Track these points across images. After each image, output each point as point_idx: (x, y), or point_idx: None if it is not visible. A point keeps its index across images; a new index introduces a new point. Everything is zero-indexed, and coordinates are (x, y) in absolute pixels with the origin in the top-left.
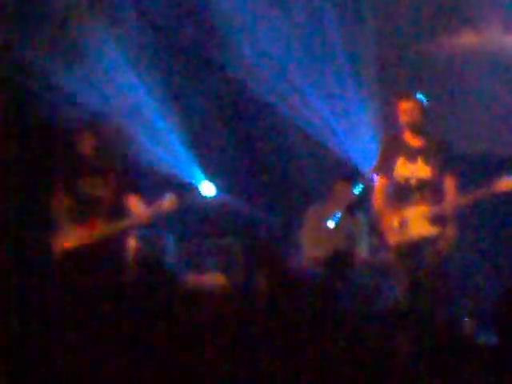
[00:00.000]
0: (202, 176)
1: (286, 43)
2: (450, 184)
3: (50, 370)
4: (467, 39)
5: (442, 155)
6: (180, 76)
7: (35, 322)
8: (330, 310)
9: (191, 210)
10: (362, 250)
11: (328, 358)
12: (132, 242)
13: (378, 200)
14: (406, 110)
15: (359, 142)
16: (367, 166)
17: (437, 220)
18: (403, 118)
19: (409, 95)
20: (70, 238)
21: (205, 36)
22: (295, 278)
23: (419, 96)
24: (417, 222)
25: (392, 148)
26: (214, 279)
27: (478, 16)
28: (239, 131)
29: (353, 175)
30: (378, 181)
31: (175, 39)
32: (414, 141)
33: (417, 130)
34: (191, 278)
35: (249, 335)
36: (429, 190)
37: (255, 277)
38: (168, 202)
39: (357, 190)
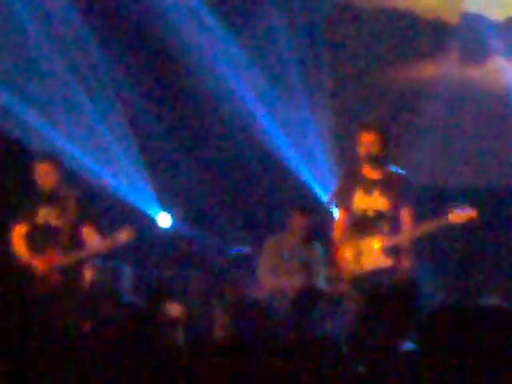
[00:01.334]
0: (159, 207)
1: (245, 73)
2: (406, 215)
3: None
4: (425, 70)
5: (399, 187)
6: (138, 105)
7: None
8: (287, 338)
9: (148, 241)
10: (319, 282)
11: None
12: (88, 273)
13: (336, 231)
14: (364, 141)
15: (318, 172)
16: (325, 197)
17: (392, 251)
18: (362, 150)
19: (368, 127)
20: (26, 268)
21: (166, 64)
22: (253, 309)
23: (378, 128)
24: (372, 254)
25: (349, 179)
26: (171, 309)
27: (435, 47)
28: (197, 161)
29: (310, 206)
30: (337, 212)
31: (136, 67)
32: (371, 172)
33: (375, 161)
34: (148, 308)
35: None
36: (385, 221)
37: (212, 308)
38: (125, 233)
39: (314, 221)
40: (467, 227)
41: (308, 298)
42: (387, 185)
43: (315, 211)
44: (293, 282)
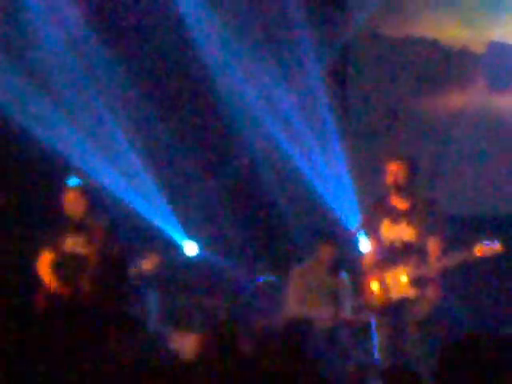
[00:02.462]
0: (185, 235)
1: (270, 98)
2: (433, 245)
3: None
4: (453, 100)
5: (427, 217)
6: (165, 131)
7: None
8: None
9: (175, 268)
10: (345, 310)
11: None
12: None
13: (365, 261)
14: (392, 171)
15: (345, 202)
16: (352, 227)
17: (419, 282)
18: (390, 179)
19: (396, 156)
20: (53, 296)
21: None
22: (279, 339)
23: (406, 157)
24: (399, 284)
25: (377, 209)
26: (199, 339)
27: (463, 77)
28: (224, 193)
29: (338, 236)
30: (365, 241)
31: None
32: (399, 202)
33: (402, 191)
34: (176, 338)
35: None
36: (413, 252)
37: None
38: (151, 261)
39: (341, 250)
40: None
41: (337, 329)
42: (415, 215)
43: (342, 240)
44: (321, 313)
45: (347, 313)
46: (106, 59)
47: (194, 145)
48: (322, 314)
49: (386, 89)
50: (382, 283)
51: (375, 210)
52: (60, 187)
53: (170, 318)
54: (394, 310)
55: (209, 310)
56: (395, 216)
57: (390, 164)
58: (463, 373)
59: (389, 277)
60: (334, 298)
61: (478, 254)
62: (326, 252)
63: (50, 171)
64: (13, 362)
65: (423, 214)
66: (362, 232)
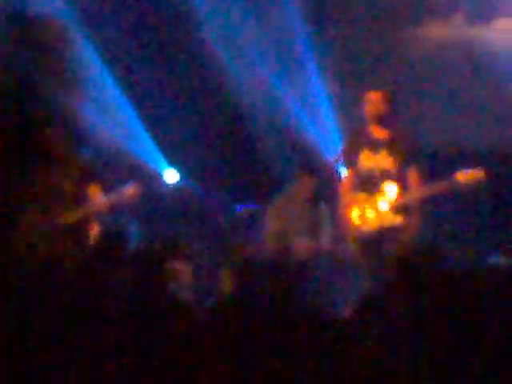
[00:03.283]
0: (166, 163)
1: (249, 29)
2: (413, 175)
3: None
4: (434, 29)
5: (406, 146)
6: (143, 64)
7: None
8: (293, 299)
9: (155, 197)
10: (325, 241)
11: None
12: (95, 228)
13: (343, 191)
14: (372, 100)
15: (323, 131)
16: (330, 157)
17: (399, 211)
18: (369, 109)
19: (376, 86)
20: (32, 228)
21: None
22: (258, 269)
23: (386, 87)
24: (379, 213)
25: (356, 139)
26: (177, 267)
27: (443, 8)
28: (205, 119)
29: (317, 165)
30: (344, 172)
31: (144, 27)
32: (378, 132)
33: (382, 121)
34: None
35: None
36: (392, 180)
37: (219, 266)
38: (130, 189)
39: (320, 181)
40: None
41: (317, 259)
42: (394, 144)
43: (321, 170)
44: (300, 243)
45: (327, 243)
46: None
47: (175, 72)
48: (301, 245)
49: (366, 20)
50: (362, 212)
51: (354, 140)
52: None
53: (150, 247)
54: (374, 239)
55: (190, 239)
56: (374, 145)
57: (369, 94)
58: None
59: (368, 206)
60: (314, 228)
61: (460, 180)
62: (304, 182)
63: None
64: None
65: (402, 143)
66: (341, 162)
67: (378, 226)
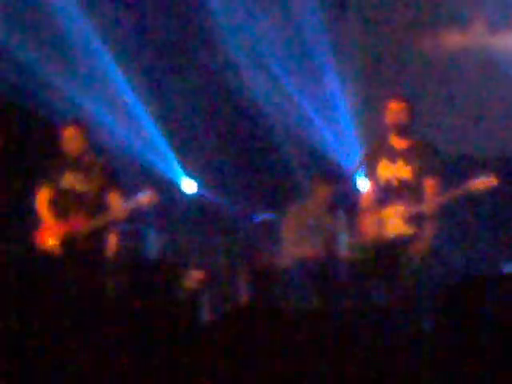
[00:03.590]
0: (183, 173)
1: (270, 38)
2: (429, 185)
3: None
4: (452, 39)
5: (424, 157)
6: (163, 72)
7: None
8: (313, 306)
9: (173, 206)
10: (342, 249)
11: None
12: (113, 237)
13: (363, 200)
14: (392, 110)
15: (342, 141)
16: (349, 166)
17: (414, 220)
18: (389, 119)
19: (396, 96)
20: (51, 233)
21: (189, 33)
22: (277, 277)
23: (406, 97)
24: (394, 222)
25: (376, 149)
26: (195, 275)
27: (462, 15)
28: (222, 128)
29: (334, 174)
30: (364, 182)
31: (161, 35)
32: (397, 142)
33: (401, 131)
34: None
35: (233, 331)
36: (409, 190)
37: (237, 274)
38: (148, 195)
39: (337, 189)
40: (490, 195)
41: (330, 267)
42: (412, 154)
43: (339, 179)
44: (317, 251)
45: (343, 251)
46: None
47: (193, 82)
48: (317, 253)
49: (387, 28)
50: (379, 222)
51: (374, 150)
52: (59, 123)
53: (168, 256)
54: (390, 248)
55: (207, 248)
56: (393, 155)
57: (389, 104)
58: (459, 313)
59: (385, 215)
60: (331, 236)
61: (473, 188)
62: (322, 191)
63: (48, 110)
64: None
65: (420, 153)
66: (360, 171)
67: (394, 236)
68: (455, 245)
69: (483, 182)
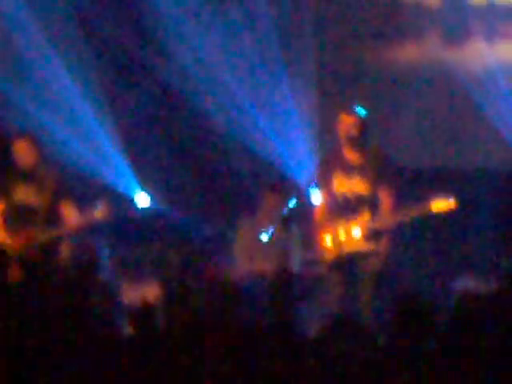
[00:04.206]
0: (138, 186)
1: (222, 49)
2: (384, 196)
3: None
4: (407, 52)
5: (379, 170)
6: (115, 83)
7: None
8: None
9: (126, 220)
10: (295, 265)
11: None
12: (65, 250)
13: (317, 214)
14: (345, 123)
15: (295, 154)
16: (302, 179)
17: (371, 236)
18: (342, 132)
19: (349, 109)
20: (3, 246)
21: (142, 42)
22: (230, 291)
23: (359, 110)
24: (351, 238)
25: (330, 162)
26: (149, 289)
27: (417, 29)
28: (174, 141)
29: (286, 187)
30: (318, 195)
31: (115, 47)
32: (351, 155)
33: (355, 144)
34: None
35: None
36: (365, 205)
37: (190, 288)
38: (101, 211)
39: (291, 203)
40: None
41: (283, 282)
42: (366, 167)
43: (290, 191)
44: (269, 266)
45: (297, 267)
46: None
47: (145, 94)
48: (270, 268)
49: (340, 40)
50: (335, 237)
51: (328, 162)
52: (11, 136)
53: (121, 269)
54: (347, 264)
55: (160, 261)
56: (348, 169)
57: (341, 117)
58: (413, 326)
59: (341, 230)
60: (284, 251)
61: (432, 210)
62: (271, 200)
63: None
64: None
65: (375, 167)
66: (314, 185)
67: (350, 252)
68: (408, 261)
69: (443, 205)
